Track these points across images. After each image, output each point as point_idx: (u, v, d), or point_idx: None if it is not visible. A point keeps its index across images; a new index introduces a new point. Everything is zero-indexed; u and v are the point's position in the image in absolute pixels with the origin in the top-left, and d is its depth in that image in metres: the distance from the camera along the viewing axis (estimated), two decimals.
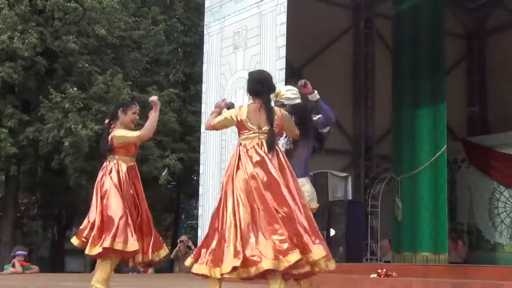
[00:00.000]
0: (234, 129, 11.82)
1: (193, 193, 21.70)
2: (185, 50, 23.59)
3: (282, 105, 5.79)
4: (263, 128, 5.00)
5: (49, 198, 22.95)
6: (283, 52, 11.14)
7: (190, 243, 14.16)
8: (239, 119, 5.09)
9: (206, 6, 13.67)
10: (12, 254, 13.67)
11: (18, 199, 21.46)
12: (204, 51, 13.54)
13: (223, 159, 12.58)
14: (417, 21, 12.23)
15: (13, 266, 12.97)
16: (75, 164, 16.99)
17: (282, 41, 11.16)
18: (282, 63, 11.14)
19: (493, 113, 15.62)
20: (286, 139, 5.90)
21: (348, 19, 15.04)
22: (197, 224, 16.48)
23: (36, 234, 29.86)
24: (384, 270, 8.74)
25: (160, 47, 20.83)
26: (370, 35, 15.02)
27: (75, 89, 16.90)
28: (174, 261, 15.18)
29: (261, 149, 4.96)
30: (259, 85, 5.15)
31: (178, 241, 14.52)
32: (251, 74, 5.38)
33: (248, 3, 12.21)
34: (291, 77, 12.95)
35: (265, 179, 4.86)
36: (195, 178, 19.63)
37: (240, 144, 5.09)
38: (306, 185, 5.89)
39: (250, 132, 5.05)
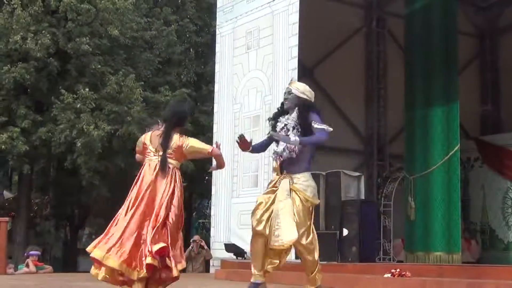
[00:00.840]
0: (247, 130, 11.77)
1: (205, 193, 21.74)
2: (197, 50, 23.63)
3: (290, 93, 6.16)
4: (160, 152, 5.82)
5: (62, 198, 23.06)
6: (295, 51, 11.16)
7: (203, 243, 14.16)
8: (144, 143, 6.00)
9: (218, 6, 13.69)
10: (25, 254, 13.74)
11: (31, 199, 21.57)
12: (216, 51, 13.56)
13: (235, 159, 12.60)
14: (429, 20, 12.18)
15: (27, 266, 13.04)
16: (88, 164, 17.07)
17: (295, 40, 11.17)
18: (294, 63, 11.15)
19: (506, 112, 15.56)
20: (295, 131, 6.02)
21: (360, 18, 15.04)
22: (209, 223, 16.51)
23: (49, 234, 29.98)
24: (398, 270, 8.70)
25: (172, 47, 20.88)
26: (382, 34, 15.01)
27: (87, 89, 16.98)
28: (187, 261, 15.17)
29: (155, 169, 5.76)
30: (170, 115, 5.97)
31: (191, 240, 14.52)
32: (172, 104, 6.53)
33: (260, 3, 12.22)
34: (304, 77, 12.97)
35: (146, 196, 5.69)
36: (207, 177, 19.65)
37: (145, 164, 5.90)
38: (309, 180, 6.15)
39: (151, 154, 5.90)
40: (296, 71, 11.12)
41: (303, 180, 6.02)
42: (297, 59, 11.18)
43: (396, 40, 14.85)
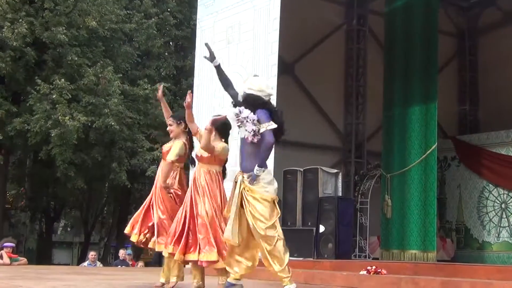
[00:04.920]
0: None
1: None
2: (176, 44, 23.54)
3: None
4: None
5: (38, 190, 22.87)
6: (275, 47, 11.10)
7: None
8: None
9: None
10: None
11: (6, 190, 21.36)
12: (196, 45, 13.47)
13: None
14: (409, 19, 12.21)
15: (1, 257, 12.89)
16: (63, 156, 16.92)
17: (275, 36, 11.11)
18: (274, 59, 11.10)
19: (484, 112, 15.67)
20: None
21: (341, 16, 15.02)
22: None
23: (23, 226, 29.75)
24: (374, 267, 8.73)
25: (152, 41, 20.76)
26: (363, 32, 15.00)
27: (63, 80, 16.83)
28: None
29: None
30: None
31: None
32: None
33: None
34: (284, 73, 12.95)
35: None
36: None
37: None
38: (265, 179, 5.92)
39: None
40: (276, 66, 11.08)
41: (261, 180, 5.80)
42: (277, 54, 11.13)
43: (376, 38, 14.87)
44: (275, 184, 5.91)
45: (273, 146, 5.85)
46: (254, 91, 5.82)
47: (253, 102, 5.80)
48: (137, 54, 20.69)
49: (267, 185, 5.80)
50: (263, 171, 5.76)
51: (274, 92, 5.89)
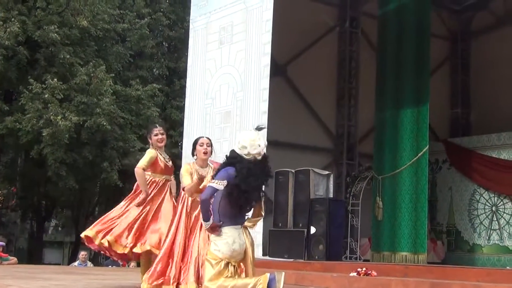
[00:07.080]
0: (217, 125, 11.66)
1: None
2: (169, 44, 23.54)
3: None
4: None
5: (29, 189, 22.81)
6: (268, 48, 11.12)
7: None
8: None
9: (192, 0, 13.61)
10: None
11: None
12: (189, 45, 13.48)
13: None
14: (402, 22, 12.23)
15: None
16: (55, 155, 16.90)
17: (268, 37, 11.13)
18: (267, 60, 11.12)
19: (475, 115, 15.73)
20: None
21: (334, 17, 15.05)
22: None
23: (14, 225, 29.66)
24: (364, 268, 8.75)
25: (144, 41, 20.75)
26: (356, 34, 15.04)
27: (55, 79, 16.82)
28: None
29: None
30: None
31: None
32: None
33: None
34: (276, 74, 12.96)
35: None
36: (177, 172, 19.63)
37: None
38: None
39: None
40: (269, 68, 11.10)
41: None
42: (270, 56, 11.15)
43: (369, 41, 14.89)
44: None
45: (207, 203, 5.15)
46: (237, 148, 5.17)
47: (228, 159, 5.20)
48: (130, 54, 20.67)
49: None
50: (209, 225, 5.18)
51: (259, 149, 5.13)
